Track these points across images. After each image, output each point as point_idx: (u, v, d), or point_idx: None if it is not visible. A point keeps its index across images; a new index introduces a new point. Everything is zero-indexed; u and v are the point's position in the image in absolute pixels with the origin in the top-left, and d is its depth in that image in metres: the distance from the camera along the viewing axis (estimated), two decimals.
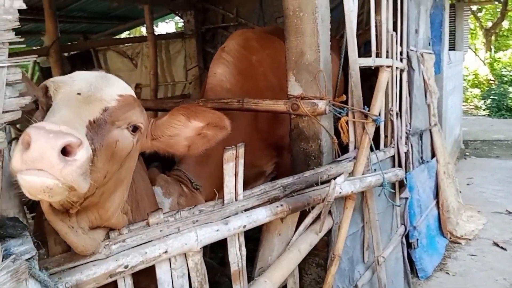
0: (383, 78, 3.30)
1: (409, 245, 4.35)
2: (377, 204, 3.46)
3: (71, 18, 8.20)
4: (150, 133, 1.70)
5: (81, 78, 1.42)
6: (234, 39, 3.83)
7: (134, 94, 1.56)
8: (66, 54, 9.28)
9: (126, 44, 8.96)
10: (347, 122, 3.15)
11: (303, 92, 3.09)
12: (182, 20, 8.24)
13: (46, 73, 8.63)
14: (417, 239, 4.33)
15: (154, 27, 8.01)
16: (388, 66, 3.73)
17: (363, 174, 3.09)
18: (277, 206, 2.27)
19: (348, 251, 3.12)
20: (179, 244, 1.82)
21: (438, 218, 4.95)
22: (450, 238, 4.97)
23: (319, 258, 3.10)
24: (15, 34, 1.16)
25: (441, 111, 6.27)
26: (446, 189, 4.98)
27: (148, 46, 7.64)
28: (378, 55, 3.62)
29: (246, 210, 2.17)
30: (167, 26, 20.26)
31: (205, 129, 1.78)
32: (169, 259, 1.85)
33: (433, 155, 5.15)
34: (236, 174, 2.07)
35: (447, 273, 4.42)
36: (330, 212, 2.88)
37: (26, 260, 1.18)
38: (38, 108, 1.44)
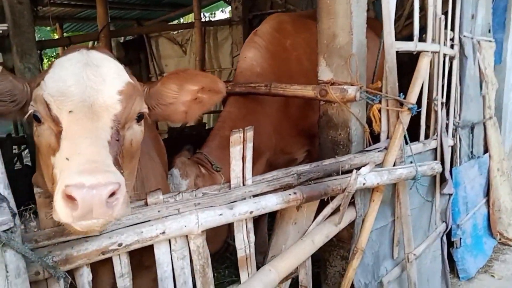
0: (423, 63, 3.04)
1: (451, 244, 4.05)
2: (412, 198, 3.24)
3: (125, 5, 8.49)
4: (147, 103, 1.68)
5: (74, 81, 1.38)
6: (268, 23, 3.73)
7: (126, 75, 1.52)
8: (121, 40, 9.68)
9: (177, 31, 9.13)
10: (379, 110, 2.95)
11: (333, 77, 2.94)
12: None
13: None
14: (460, 238, 4.01)
15: (207, 15, 8.09)
16: (434, 52, 3.45)
17: (394, 166, 2.89)
18: (289, 194, 2.18)
19: (373, 245, 2.94)
20: (178, 226, 1.79)
21: (488, 218, 4.55)
22: (500, 239, 4.56)
23: (343, 250, 2.97)
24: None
25: (501, 104, 5.71)
26: (499, 187, 4.56)
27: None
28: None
29: (255, 196, 2.10)
30: (222, 15, 20.47)
31: (200, 93, 1.72)
32: (169, 241, 1.84)
33: (486, 150, 4.73)
34: (243, 158, 2.00)
35: (492, 276, 4.07)
36: (353, 204, 2.73)
37: (3, 231, 1.20)
38: (37, 118, 1.42)
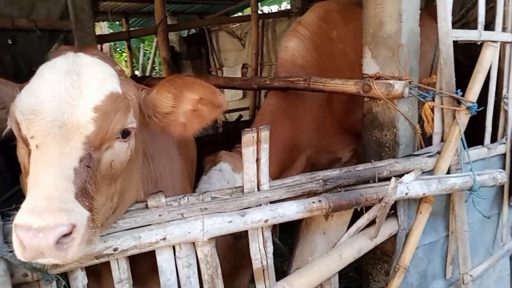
0: (486, 55, 2.61)
1: None
2: (472, 211, 2.82)
3: None
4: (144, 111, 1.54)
5: (50, 96, 1.25)
6: (313, 11, 3.47)
7: (113, 83, 1.36)
8: (183, 35, 9.88)
9: (236, 24, 9.09)
10: (432, 109, 2.58)
11: (379, 71, 2.63)
12: None
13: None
14: None
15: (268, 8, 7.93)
16: (507, 43, 2.98)
17: (449, 173, 2.52)
18: (313, 202, 1.95)
19: (420, 263, 2.61)
20: (180, 232, 1.66)
21: None
22: None
23: (388, 265, 2.67)
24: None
25: None
26: None
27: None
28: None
29: (272, 202, 1.91)
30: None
31: (200, 104, 1.53)
32: (173, 247, 1.72)
33: None
34: (258, 161, 1.81)
35: None
36: (395, 215, 2.43)
37: None
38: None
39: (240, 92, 8.58)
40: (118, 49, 13.72)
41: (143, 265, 1.75)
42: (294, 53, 3.23)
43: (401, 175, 2.26)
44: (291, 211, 1.89)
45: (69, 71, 1.30)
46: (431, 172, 2.50)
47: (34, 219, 1.05)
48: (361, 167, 2.19)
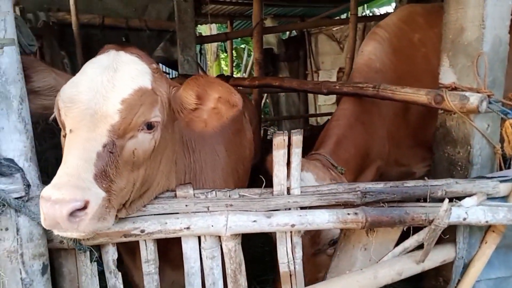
0: None
1: None
2: None
3: (288, 1, 8.72)
4: (173, 106, 1.64)
5: (87, 87, 1.41)
6: (396, 14, 3.29)
7: (144, 80, 1.49)
8: (283, 38, 10.04)
9: (337, 27, 8.94)
10: None
11: (456, 81, 2.40)
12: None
13: (265, 55, 9.56)
14: None
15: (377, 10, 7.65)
16: None
17: None
18: (348, 213, 1.87)
19: None
20: (204, 224, 1.74)
21: None
22: None
23: None
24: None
25: None
26: None
27: (359, 29, 7.38)
28: None
29: (302, 208, 1.88)
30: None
31: (219, 102, 1.60)
32: (199, 237, 1.81)
33: None
34: (289, 164, 1.80)
35: None
36: (454, 241, 2.19)
37: (14, 198, 1.36)
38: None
39: (333, 96, 8.43)
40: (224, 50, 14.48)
41: (176, 250, 1.86)
42: (370, 56, 3.09)
43: (458, 198, 2.03)
44: (321, 219, 1.84)
45: (108, 67, 1.47)
46: (504, 198, 2.20)
47: (54, 192, 1.20)
48: (411, 183, 2.02)
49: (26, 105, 1.44)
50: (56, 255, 1.67)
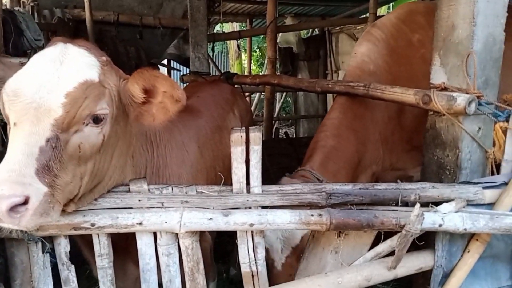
0: None
1: None
2: None
3: (309, 0, 8.59)
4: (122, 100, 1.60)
5: (31, 81, 1.38)
6: (394, 12, 3.14)
7: (90, 72, 1.46)
8: (303, 36, 9.92)
9: (358, 27, 8.73)
10: (505, 131, 2.11)
11: (447, 81, 2.26)
12: None
13: (285, 53, 9.48)
14: None
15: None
16: None
17: None
18: (311, 215, 1.79)
19: None
20: (157, 220, 1.70)
21: None
22: None
23: None
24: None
25: None
26: None
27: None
28: None
29: (264, 207, 1.81)
30: None
31: (164, 97, 1.56)
32: (155, 234, 1.77)
33: None
34: (248, 162, 1.73)
35: None
36: (434, 248, 2.06)
37: None
38: None
39: None
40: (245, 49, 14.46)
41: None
42: (364, 58, 2.97)
43: (435, 204, 1.90)
44: (282, 219, 1.76)
45: (54, 59, 1.45)
46: (490, 206, 2.04)
47: None
48: (382, 186, 1.91)
49: None
50: (8, 244, 1.68)
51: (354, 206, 1.88)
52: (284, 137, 6.46)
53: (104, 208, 1.70)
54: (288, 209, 1.81)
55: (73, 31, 5.63)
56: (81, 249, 1.91)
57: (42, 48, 4.50)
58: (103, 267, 1.76)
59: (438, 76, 2.32)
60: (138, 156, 1.82)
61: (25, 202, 1.23)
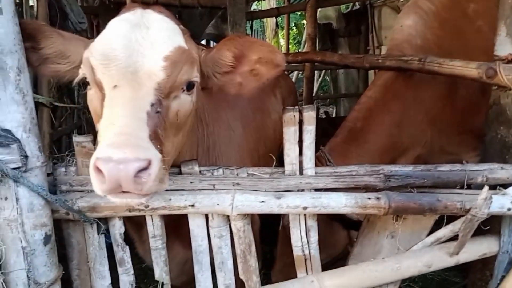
0: None
1: None
2: None
3: None
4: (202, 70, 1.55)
5: (122, 45, 1.32)
6: None
7: (179, 38, 1.41)
8: (343, 11, 9.56)
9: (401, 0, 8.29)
10: None
11: None
12: None
13: (324, 30, 9.20)
14: None
15: None
16: None
17: None
18: (368, 198, 1.70)
19: None
20: (209, 202, 1.67)
21: None
22: None
23: None
24: None
25: None
26: None
27: None
28: None
29: (317, 190, 1.74)
30: None
31: (258, 64, 1.51)
32: (206, 216, 1.75)
33: None
34: (301, 142, 1.66)
35: None
36: (499, 233, 1.92)
37: (12, 169, 1.39)
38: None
39: None
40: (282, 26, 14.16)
41: (187, 228, 1.81)
42: (411, 31, 2.77)
43: (504, 186, 1.76)
44: (337, 202, 1.69)
45: (139, 24, 1.38)
46: None
47: (115, 152, 1.09)
48: (446, 167, 1.79)
49: (25, 76, 1.44)
50: (64, 225, 1.71)
51: (414, 189, 1.77)
52: (324, 116, 6.30)
53: None
54: (343, 192, 1.73)
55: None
56: (127, 229, 1.91)
57: (86, 31, 4.55)
58: (156, 248, 1.76)
59: (504, 47, 2.12)
60: (192, 134, 1.78)
61: (145, 168, 1.13)
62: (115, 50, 1.32)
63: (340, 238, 2.45)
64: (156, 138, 1.23)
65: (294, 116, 1.62)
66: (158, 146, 1.22)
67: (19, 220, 1.43)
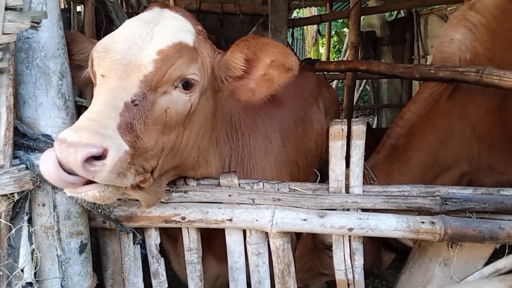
0: None
1: None
2: None
3: None
4: (216, 74, 1.48)
5: (124, 38, 1.31)
6: None
7: (184, 35, 1.36)
8: (387, 19, 9.30)
9: (451, 7, 7.94)
10: None
11: None
12: None
13: (367, 38, 8.96)
14: None
15: None
16: None
17: None
18: (421, 222, 1.56)
19: None
20: (248, 218, 1.58)
21: None
22: None
23: None
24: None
25: None
26: None
27: None
28: None
29: (365, 210, 1.61)
30: None
31: (270, 67, 1.41)
32: (244, 231, 1.66)
33: None
34: (348, 158, 1.54)
35: None
36: None
37: None
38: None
39: None
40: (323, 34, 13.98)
41: (221, 241, 1.74)
42: (460, 46, 2.59)
43: None
44: (386, 225, 1.55)
45: (149, 21, 1.37)
46: None
47: (71, 134, 1.06)
48: (510, 191, 1.61)
49: (67, 81, 1.42)
50: (100, 234, 1.68)
51: (473, 214, 1.60)
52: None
53: (194, 202, 1.61)
54: (392, 213, 1.59)
55: None
56: (162, 242, 1.85)
57: None
58: (192, 262, 1.69)
59: None
60: (223, 143, 1.70)
61: (102, 156, 1.08)
62: (115, 43, 1.31)
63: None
64: (129, 130, 1.18)
65: (342, 129, 1.50)
66: (129, 139, 1.16)
67: (56, 227, 1.40)
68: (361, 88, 9.98)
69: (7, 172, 1.26)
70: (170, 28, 1.35)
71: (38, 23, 1.25)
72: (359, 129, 1.50)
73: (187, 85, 1.34)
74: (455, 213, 1.62)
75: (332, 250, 2.21)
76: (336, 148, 1.54)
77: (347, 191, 1.61)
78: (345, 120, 1.50)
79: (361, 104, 10.69)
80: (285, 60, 1.38)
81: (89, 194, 1.13)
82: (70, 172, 1.07)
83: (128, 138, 1.17)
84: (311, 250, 2.22)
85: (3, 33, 1.15)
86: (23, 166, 1.30)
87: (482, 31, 2.53)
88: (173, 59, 1.30)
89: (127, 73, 1.25)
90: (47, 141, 1.36)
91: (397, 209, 1.60)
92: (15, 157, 1.32)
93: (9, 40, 1.16)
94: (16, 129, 1.33)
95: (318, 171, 1.76)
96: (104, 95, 1.20)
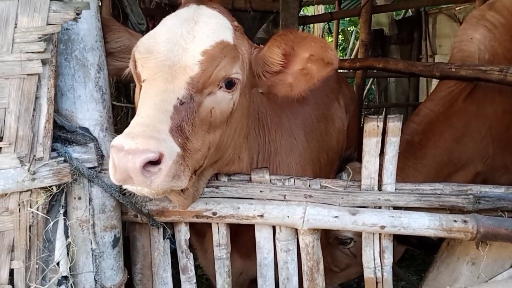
0: None
1: None
2: None
3: None
4: (254, 69, 1.47)
5: (166, 39, 1.31)
6: None
7: (225, 33, 1.35)
8: (396, 18, 9.27)
9: (460, 7, 7.91)
10: None
11: None
12: None
13: (375, 36, 8.92)
14: None
15: None
16: None
17: None
18: (454, 220, 1.55)
19: None
20: (279, 214, 1.58)
21: None
22: None
23: None
24: None
25: None
26: None
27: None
28: None
29: (396, 208, 1.61)
30: None
31: (309, 62, 1.40)
32: (274, 227, 1.66)
33: None
34: (382, 155, 1.53)
35: None
36: None
37: (88, 168, 1.35)
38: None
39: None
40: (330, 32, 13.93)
41: (247, 237, 1.74)
42: (479, 46, 2.59)
43: None
44: (419, 223, 1.55)
45: (188, 19, 1.35)
46: None
47: (127, 142, 1.06)
48: None
49: (105, 74, 1.42)
50: (131, 228, 1.67)
51: (505, 213, 1.60)
52: None
53: (225, 197, 1.61)
54: (424, 211, 1.59)
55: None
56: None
57: (145, 31, 4.63)
58: (221, 257, 1.69)
59: None
60: (252, 139, 1.70)
61: (158, 161, 1.09)
62: (158, 44, 1.30)
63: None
64: (180, 132, 1.19)
65: (378, 126, 1.50)
66: (180, 141, 1.17)
67: (91, 221, 1.40)
68: (367, 87, 9.96)
69: (47, 164, 1.25)
70: (211, 27, 1.34)
71: (79, 14, 1.24)
72: (395, 126, 1.50)
73: (230, 84, 1.34)
74: (485, 212, 1.61)
75: (346, 246, 2.24)
76: (371, 145, 1.53)
77: (379, 188, 1.60)
78: (381, 116, 1.50)
79: (366, 103, 10.68)
80: (324, 54, 1.36)
81: (144, 191, 1.16)
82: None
83: (179, 140, 1.18)
84: (323, 247, 2.20)
85: (48, 23, 1.14)
86: (62, 158, 1.29)
87: (501, 31, 2.53)
88: (218, 59, 1.29)
89: (173, 75, 1.25)
90: (85, 134, 1.36)
91: (429, 207, 1.60)
92: (52, 149, 1.31)
93: (53, 31, 1.16)
94: (53, 122, 1.32)
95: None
96: (153, 98, 1.20)
